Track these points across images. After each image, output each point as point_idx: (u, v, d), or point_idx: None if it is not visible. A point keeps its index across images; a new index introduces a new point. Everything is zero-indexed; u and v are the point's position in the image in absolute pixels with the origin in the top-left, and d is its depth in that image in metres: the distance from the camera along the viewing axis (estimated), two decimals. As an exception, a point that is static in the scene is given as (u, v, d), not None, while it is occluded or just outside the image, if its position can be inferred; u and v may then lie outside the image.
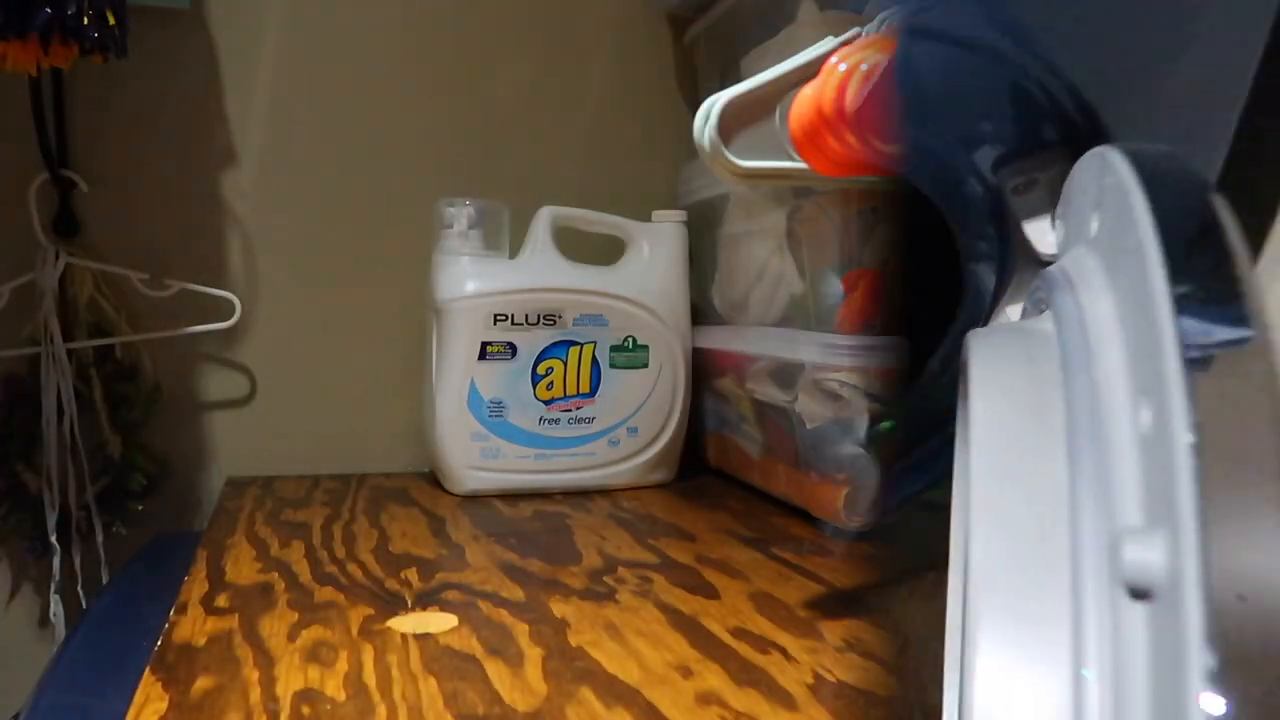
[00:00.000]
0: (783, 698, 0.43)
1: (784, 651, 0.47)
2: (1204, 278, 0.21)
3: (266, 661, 0.46)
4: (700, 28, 0.98)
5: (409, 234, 0.95)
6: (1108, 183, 0.25)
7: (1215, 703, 0.16)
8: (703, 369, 0.91)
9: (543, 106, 1.03)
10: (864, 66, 0.34)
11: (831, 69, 0.34)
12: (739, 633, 0.50)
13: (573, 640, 0.50)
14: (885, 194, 0.66)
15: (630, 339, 0.86)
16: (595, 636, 0.50)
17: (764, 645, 0.49)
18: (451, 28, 1.00)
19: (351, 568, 0.62)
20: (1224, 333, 0.20)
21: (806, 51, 0.49)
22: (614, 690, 0.44)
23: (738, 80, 0.75)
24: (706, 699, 0.43)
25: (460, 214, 0.85)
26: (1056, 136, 0.39)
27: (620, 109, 1.03)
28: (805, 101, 0.35)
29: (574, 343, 0.84)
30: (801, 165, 0.48)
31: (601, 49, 1.04)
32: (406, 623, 0.52)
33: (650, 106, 1.04)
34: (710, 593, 0.56)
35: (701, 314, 0.92)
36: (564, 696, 0.43)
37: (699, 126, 0.47)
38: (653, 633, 0.51)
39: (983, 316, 0.46)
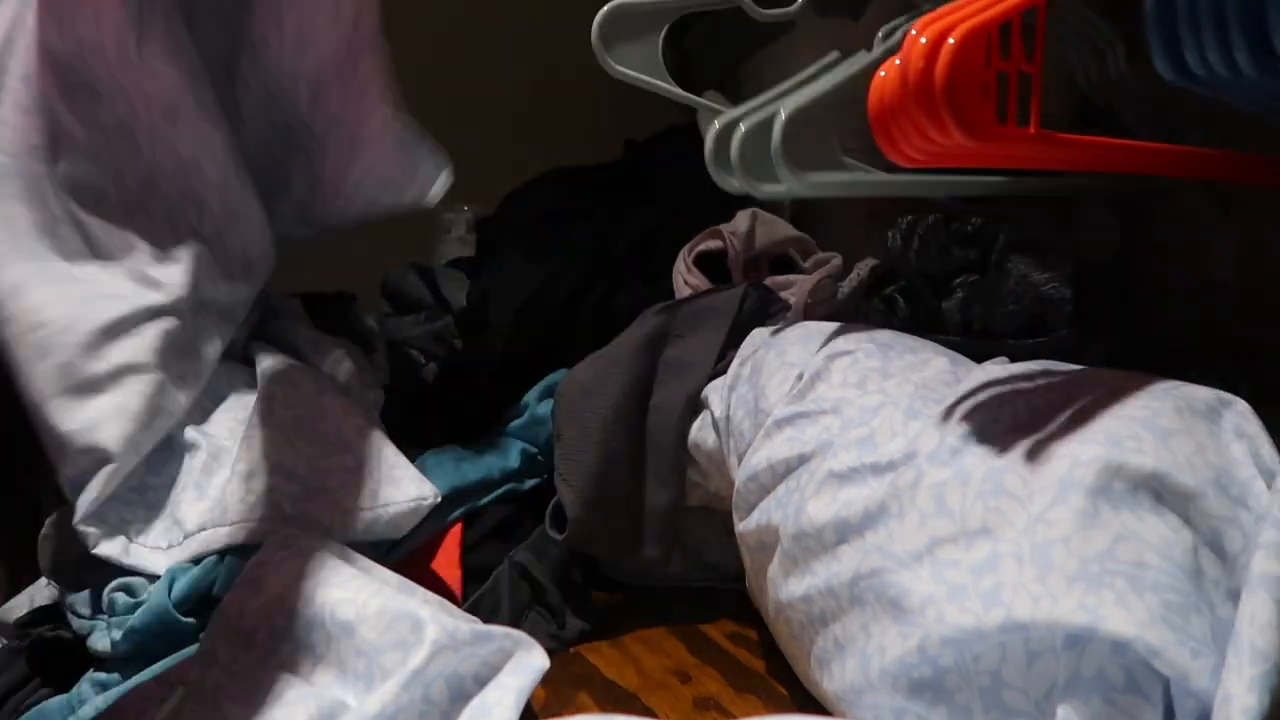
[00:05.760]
0: (781, 702, 0.43)
1: (782, 656, 0.47)
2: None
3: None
4: (699, 33, 0.98)
5: (407, 239, 0.94)
6: None
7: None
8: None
9: (541, 112, 1.03)
10: (950, 40, 0.30)
11: (912, 41, 0.30)
12: (737, 638, 0.50)
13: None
14: (883, 200, 0.66)
15: (629, 344, 0.86)
16: (593, 641, 0.50)
17: (762, 650, 0.49)
18: (449, 32, 1.00)
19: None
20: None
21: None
22: (612, 695, 0.44)
23: (736, 86, 0.74)
24: (705, 704, 0.43)
25: (458, 220, 0.85)
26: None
27: (619, 114, 1.04)
28: (889, 79, 0.31)
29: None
30: (864, 177, 0.46)
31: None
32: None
33: (649, 112, 1.04)
34: (709, 597, 0.56)
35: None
36: (562, 701, 0.43)
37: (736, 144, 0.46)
38: (651, 637, 0.50)
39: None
